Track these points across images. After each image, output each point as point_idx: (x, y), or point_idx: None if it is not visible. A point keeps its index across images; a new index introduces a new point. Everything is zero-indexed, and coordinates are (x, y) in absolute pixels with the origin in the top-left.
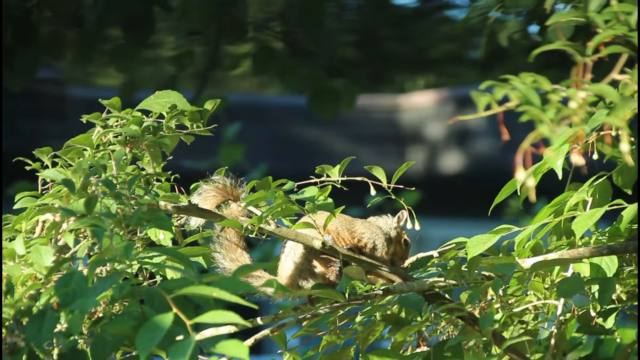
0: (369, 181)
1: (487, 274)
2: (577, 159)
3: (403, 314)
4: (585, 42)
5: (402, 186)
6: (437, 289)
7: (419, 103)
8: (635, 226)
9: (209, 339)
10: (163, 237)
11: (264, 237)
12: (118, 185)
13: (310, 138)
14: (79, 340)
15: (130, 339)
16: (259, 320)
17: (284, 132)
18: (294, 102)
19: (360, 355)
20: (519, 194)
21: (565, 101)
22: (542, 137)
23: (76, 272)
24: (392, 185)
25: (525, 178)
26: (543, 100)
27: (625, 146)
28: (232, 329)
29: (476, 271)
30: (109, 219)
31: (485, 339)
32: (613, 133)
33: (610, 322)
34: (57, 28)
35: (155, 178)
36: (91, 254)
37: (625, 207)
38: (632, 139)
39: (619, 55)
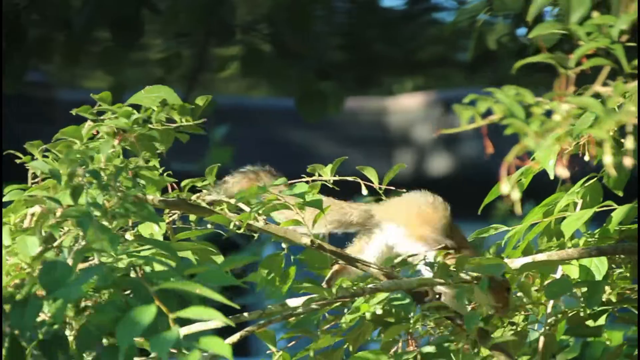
0: (361, 181)
1: (476, 274)
2: (562, 171)
3: (392, 317)
4: (568, 54)
5: (392, 187)
6: (426, 288)
7: (407, 106)
8: (624, 227)
9: (192, 334)
10: (158, 229)
11: (253, 234)
12: (105, 177)
13: (298, 140)
14: (65, 330)
15: (114, 329)
16: (245, 315)
17: (272, 135)
18: (282, 104)
19: (350, 356)
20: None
21: (548, 114)
22: (526, 149)
23: (60, 261)
24: (383, 187)
25: (510, 190)
26: (527, 114)
27: (608, 158)
28: (219, 324)
29: (465, 272)
30: (94, 210)
31: (472, 338)
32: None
33: (599, 324)
34: (45, 31)
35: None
36: (77, 245)
37: (615, 209)
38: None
39: (601, 68)
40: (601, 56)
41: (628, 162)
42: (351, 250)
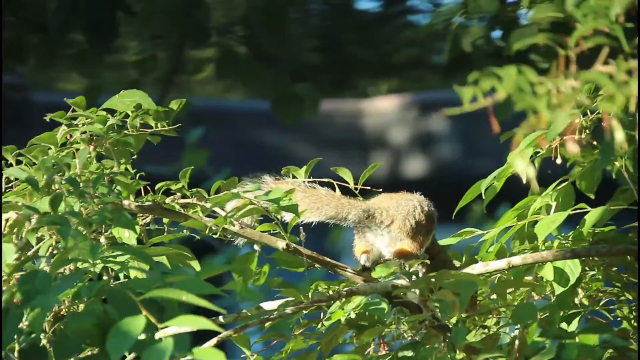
0: (335, 182)
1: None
2: (573, 147)
3: (366, 320)
4: (565, 37)
5: (368, 187)
6: (401, 292)
7: (382, 108)
8: (597, 230)
9: (177, 342)
10: (128, 235)
11: (229, 238)
12: (82, 184)
13: (273, 143)
14: (42, 339)
15: (92, 337)
16: (220, 319)
17: (247, 137)
18: (257, 106)
19: (323, 359)
20: (483, 197)
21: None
22: (535, 125)
23: (40, 270)
24: (359, 187)
25: (524, 169)
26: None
27: (619, 134)
28: (194, 328)
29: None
30: (73, 218)
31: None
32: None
33: (572, 327)
34: (20, 33)
35: (119, 177)
36: (55, 252)
37: (588, 211)
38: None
39: (599, 50)
40: (601, 35)
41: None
42: (359, 247)
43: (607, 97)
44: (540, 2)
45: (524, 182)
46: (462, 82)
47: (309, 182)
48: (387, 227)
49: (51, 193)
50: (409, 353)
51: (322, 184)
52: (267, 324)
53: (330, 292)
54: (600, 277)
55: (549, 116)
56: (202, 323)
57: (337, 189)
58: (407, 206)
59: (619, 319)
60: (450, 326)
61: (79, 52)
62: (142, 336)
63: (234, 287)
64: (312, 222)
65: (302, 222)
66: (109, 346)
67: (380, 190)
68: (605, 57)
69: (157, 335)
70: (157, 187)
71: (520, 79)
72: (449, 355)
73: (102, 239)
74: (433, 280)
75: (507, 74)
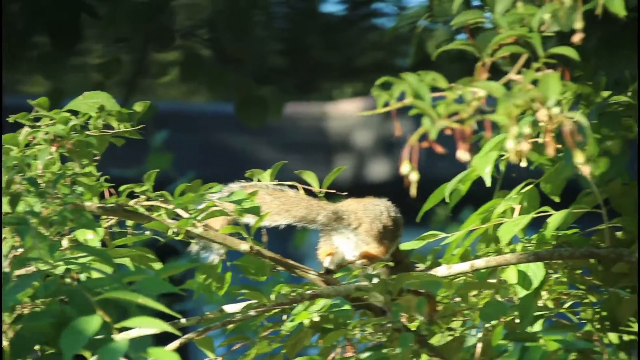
0: (300, 185)
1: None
2: (463, 155)
3: (330, 323)
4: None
5: (333, 191)
6: (365, 295)
7: (347, 111)
8: (561, 233)
9: (136, 343)
10: (91, 237)
11: (192, 241)
12: (43, 184)
13: (238, 146)
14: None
15: (49, 336)
16: (183, 321)
17: (211, 140)
18: (221, 109)
19: None
20: (447, 201)
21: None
22: (428, 130)
23: None
24: (323, 190)
25: (409, 171)
26: (439, 98)
27: (510, 143)
28: (157, 330)
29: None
30: (32, 218)
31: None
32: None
33: (536, 329)
34: None
35: (81, 178)
36: (15, 253)
37: (551, 214)
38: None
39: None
40: (520, 45)
41: (586, 170)
42: (324, 249)
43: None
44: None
45: (488, 184)
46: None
47: (275, 185)
48: (355, 230)
49: (12, 193)
50: (373, 356)
51: (288, 187)
52: (230, 327)
53: (294, 295)
54: (564, 279)
55: (434, 124)
56: (157, 324)
57: (301, 192)
58: (375, 210)
59: (583, 321)
60: (414, 329)
61: (43, 55)
62: (100, 336)
63: (192, 286)
64: (274, 225)
65: (269, 225)
66: (62, 344)
67: (346, 193)
68: (521, 67)
69: (118, 337)
70: (121, 189)
71: (421, 86)
72: (413, 359)
73: (65, 241)
74: (394, 283)
75: (410, 79)
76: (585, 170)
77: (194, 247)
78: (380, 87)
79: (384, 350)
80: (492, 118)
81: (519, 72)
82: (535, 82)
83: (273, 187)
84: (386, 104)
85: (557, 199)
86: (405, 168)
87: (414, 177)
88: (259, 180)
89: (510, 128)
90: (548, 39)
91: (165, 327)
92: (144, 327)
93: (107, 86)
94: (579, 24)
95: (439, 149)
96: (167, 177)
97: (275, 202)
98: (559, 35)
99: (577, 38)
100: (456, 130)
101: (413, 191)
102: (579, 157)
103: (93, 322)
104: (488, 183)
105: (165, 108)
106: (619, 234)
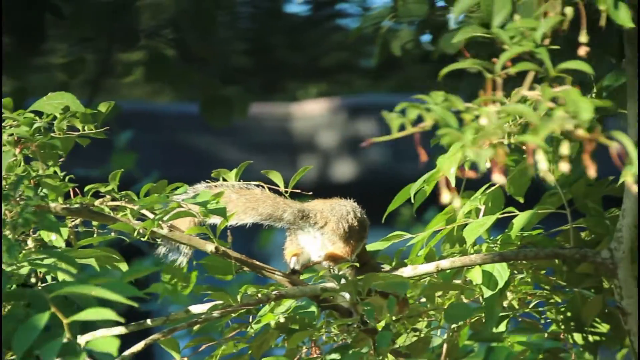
0: (266, 185)
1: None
2: (499, 179)
3: (296, 324)
4: (491, 58)
5: (299, 190)
6: (331, 296)
7: (311, 111)
8: (526, 234)
9: (105, 342)
10: (55, 237)
11: (157, 242)
12: (6, 186)
13: (202, 146)
14: None
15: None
16: (148, 322)
17: (176, 140)
18: (186, 109)
19: None
20: (412, 201)
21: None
22: (466, 159)
23: None
24: (289, 190)
25: (450, 200)
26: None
27: (543, 164)
28: (123, 331)
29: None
30: None
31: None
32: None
33: (501, 329)
34: None
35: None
36: None
37: (516, 215)
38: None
39: (526, 72)
40: (526, 60)
41: (564, 167)
42: (290, 249)
43: (531, 129)
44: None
45: (453, 185)
46: (391, 86)
47: (241, 185)
48: (321, 229)
49: None
50: (339, 357)
51: (254, 186)
52: (195, 327)
53: (260, 296)
54: (529, 280)
55: (474, 152)
56: (105, 314)
57: (267, 191)
58: (342, 210)
59: (548, 320)
60: (379, 329)
61: (6, 54)
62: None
63: (158, 290)
64: (240, 225)
65: (236, 223)
66: (14, 342)
67: (311, 193)
68: (531, 82)
69: (85, 338)
70: (86, 189)
71: (445, 111)
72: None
73: (30, 242)
74: (361, 283)
75: (433, 103)
76: (634, 189)
77: (161, 250)
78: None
79: (350, 352)
80: (525, 139)
81: (531, 88)
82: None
83: (239, 185)
84: (402, 128)
85: (521, 200)
86: (446, 197)
87: (457, 203)
88: (224, 180)
89: (540, 149)
90: (551, 53)
91: (115, 316)
92: (95, 318)
93: (71, 86)
94: (584, 37)
95: (500, 180)
96: (132, 177)
97: (242, 199)
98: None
99: (582, 51)
100: (492, 161)
101: (457, 204)
102: (629, 178)
103: (42, 319)
104: (452, 184)
105: (129, 108)
106: (583, 234)
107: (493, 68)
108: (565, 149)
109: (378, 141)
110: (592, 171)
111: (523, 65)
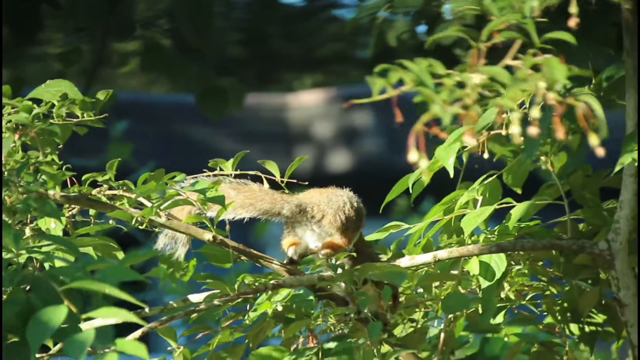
0: (263, 175)
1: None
2: (469, 140)
3: (293, 313)
4: (480, 30)
5: (294, 180)
6: (328, 285)
7: (307, 102)
8: (523, 224)
9: (102, 333)
10: (54, 225)
11: (155, 230)
12: (6, 173)
13: (198, 136)
14: None
15: (14, 326)
16: (147, 311)
17: (172, 131)
18: (182, 100)
19: (250, 352)
20: (410, 192)
21: (460, 86)
22: (434, 117)
23: None
24: (285, 180)
25: (418, 158)
26: (438, 85)
27: (515, 128)
28: (118, 320)
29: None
30: None
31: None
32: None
33: (498, 320)
34: None
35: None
36: None
37: (514, 206)
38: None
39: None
40: (513, 30)
41: (533, 131)
42: (288, 239)
43: (507, 93)
44: None
45: (452, 176)
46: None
47: (239, 180)
48: (319, 222)
49: None
50: (339, 346)
51: (251, 179)
52: (193, 316)
53: (257, 285)
54: (526, 271)
55: (443, 110)
56: (123, 315)
57: (265, 183)
58: (338, 201)
59: (544, 313)
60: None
61: (2, 44)
62: (65, 326)
63: (157, 274)
64: (237, 216)
65: (234, 217)
66: (29, 335)
67: (307, 183)
68: (516, 52)
69: (83, 327)
70: (83, 178)
71: (424, 71)
72: (374, 348)
73: (27, 230)
74: (357, 273)
75: (412, 66)
76: (600, 152)
77: (160, 242)
78: (378, 74)
79: (348, 340)
80: (499, 103)
81: (515, 58)
82: (534, 68)
83: (237, 181)
84: (382, 91)
85: (519, 191)
86: (413, 156)
87: (424, 163)
88: (221, 170)
89: (514, 113)
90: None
91: (130, 317)
92: (109, 317)
93: (67, 76)
94: (574, 8)
95: (443, 135)
96: (128, 167)
97: (240, 196)
98: (550, 18)
99: (572, 22)
100: (462, 115)
101: (426, 178)
102: (594, 140)
103: (59, 313)
104: (451, 174)
105: (125, 98)
106: (580, 225)
107: (479, 38)
108: (535, 112)
109: (359, 103)
110: (560, 134)
111: (507, 34)
